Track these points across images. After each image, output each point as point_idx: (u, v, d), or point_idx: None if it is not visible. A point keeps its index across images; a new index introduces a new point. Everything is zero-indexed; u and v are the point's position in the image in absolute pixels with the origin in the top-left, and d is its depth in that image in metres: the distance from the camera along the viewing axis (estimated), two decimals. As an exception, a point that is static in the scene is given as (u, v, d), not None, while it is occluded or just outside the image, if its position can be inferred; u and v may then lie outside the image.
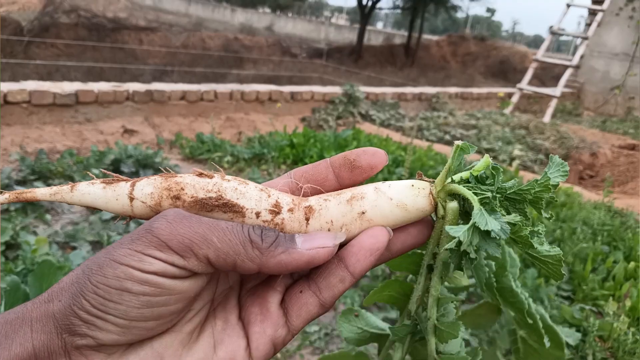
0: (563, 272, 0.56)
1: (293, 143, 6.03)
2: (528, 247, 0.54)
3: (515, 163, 6.98)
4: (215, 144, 5.87)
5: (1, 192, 0.54)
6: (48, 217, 3.83)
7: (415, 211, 0.56)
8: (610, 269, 3.94)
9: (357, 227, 0.55)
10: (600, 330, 3.15)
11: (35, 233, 3.54)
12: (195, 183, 0.53)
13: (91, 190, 0.55)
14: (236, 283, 0.59)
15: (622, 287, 3.67)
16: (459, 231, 0.51)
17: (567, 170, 0.58)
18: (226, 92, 7.50)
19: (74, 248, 3.43)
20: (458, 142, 0.57)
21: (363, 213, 0.55)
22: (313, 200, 0.56)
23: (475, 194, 0.54)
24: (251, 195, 0.54)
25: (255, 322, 0.55)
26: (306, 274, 0.58)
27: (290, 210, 0.55)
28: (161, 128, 6.48)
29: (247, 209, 0.53)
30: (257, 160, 5.74)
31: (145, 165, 4.82)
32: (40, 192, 0.55)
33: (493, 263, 0.63)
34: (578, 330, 3.18)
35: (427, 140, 8.15)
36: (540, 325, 0.62)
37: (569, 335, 3.04)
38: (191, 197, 0.53)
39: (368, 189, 0.57)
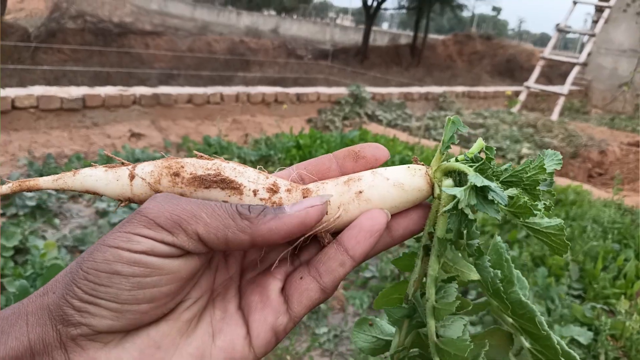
0: (567, 242, 0.55)
1: (299, 144, 6.02)
2: (528, 215, 0.53)
3: (524, 162, 6.94)
4: (221, 146, 5.88)
5: (5, 182, 0.55)
6: (57, 221, 3.84)
7: (412, 191, 0.56)
8: (621, 267, 3.90)
9: (355, 208, 0.55)
10: (613, 329, 3.12)
11: (44, 237, 3.55)
12: (195, 162, 0.54)
13: (93, 173, 0.55)
14: (236, 273, 0.58)
15: (633, 286, 3.64)
16: (457, 190, 0.51)
17: (561, 159, 0.58)
18: (232, 94, 7.51)
19: (82, 252, 3.44)
20: (450, 116, 0.58)
21: (360, 192, 0.55)
22: (311, 184, 0.57)
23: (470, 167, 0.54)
24: (249, 174, 0.55)
25: (256, 310, 0.54)
26: (306, 261, 0.58)
27: (288, 190, 0.55)
28: (168, 131, 6.49)
29: (244, 187, 0.54)
30: (263, 162, 5.74)
31: (152, 169, 4.83)
32: (44, 180, 0.57)
33: (499, 271, 0.61)
34: (590, 329, 3.15)
35: (435, 140, 8.11)
36: (555, 342, 0.60)
37: (580, 334, 3.02)
38: (190, 174, 0.54)
39: (365, 172, 0.57)
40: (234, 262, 0.58)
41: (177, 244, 0.47)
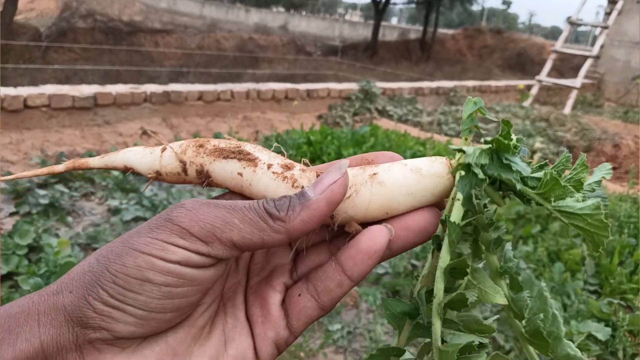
0: (606, 222, 0.48)
1: (310, 141, 6.00)
2: (561, 196, 0.48)
3: (537, 156, 6.87)
4: (232, 143, 5.88)
5: (9, 173, 0.56)
6: (69, 219, 3.85)
7: (431, 176, 0.52)
8: (638, 262, 3.84)
9: (367, 191, 0.53)
10: (631, 325, 3.08)
11: (57, 235, 3.57)
12: (221, 140, 0.58)
13: (134, 149, 0.61)
14: (243, 277, 0.57)
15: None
16: (466, 147, 0.47)
17: (611, 170, 0.53)
18: (243, 91, 7.51)
19: (95, 250, 3.45)
20: (470, 98, 0.55)
21: (374, 174, 0.53)
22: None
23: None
24: (267, 153, 0.56)
25: (257, 323, 0.54)
26: (304, 274, 0.57)
27: (302, 170, 0.55)
28: (179, 129, 6.50)
29: (260, 160, 0.55)
30: (274, 158, 5.74)
31: (164, 166, 4.84)
32: (92, 159, 0.62)
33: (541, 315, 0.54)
34: (607, 325, 3.11)
35: (446, 135, 8.06)
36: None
37: (598, 330, 2.98)
38: (213, 146, 0.56)
39: (383, 164, 0.55)
40: (243, 265, 0.57)
41: (211, 254, 0.46)
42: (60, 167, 0.60)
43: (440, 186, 0.53)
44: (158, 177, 0.58)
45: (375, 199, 0.53)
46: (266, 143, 6.13)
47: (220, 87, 7.47)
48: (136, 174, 0.60)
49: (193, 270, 0.46)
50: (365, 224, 0.54)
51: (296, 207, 0.48)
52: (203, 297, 0.49)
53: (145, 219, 3.85)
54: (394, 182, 0.52)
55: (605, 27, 11.86)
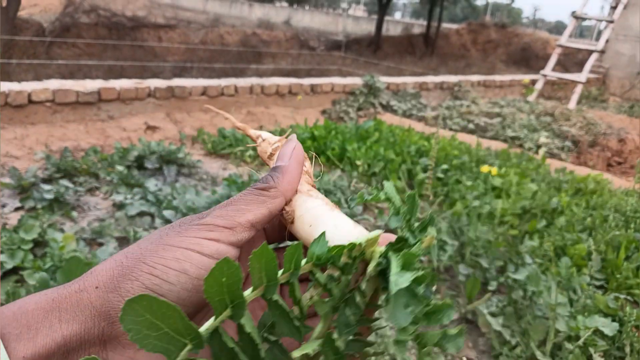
0: None
1: (314, 136, 5.99)
2: None
3: (542, 151, 6.85)
4: (236, 138, 5.86)
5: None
6: (74, 214, 3.86)
7: (342, 241, 0.53)
8: (643, 257, 3.82)
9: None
10: (638, 320, 3.06)
11: (62, 230, 3.57)
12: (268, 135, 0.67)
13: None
14: None
15: (658, 276, 3.56)
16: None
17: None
18: (246, 86, 7.49)
19: (100, 244, 3.45)
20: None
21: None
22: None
23: None
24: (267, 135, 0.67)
25: None
26: None
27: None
28: (183, 124, 6.49)
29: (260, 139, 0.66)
30: (279, 153, 5.72)
31: (168, 161, 4.83)
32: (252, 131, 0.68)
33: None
34: (614, 320, 3.09)
35: (451, 129, 8.03)
36: None
37: (605, 326, 2.96)
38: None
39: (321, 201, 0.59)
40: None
41: (236, 240, 0.50)
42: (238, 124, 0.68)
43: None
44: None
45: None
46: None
47: (224, 82, 7.46)
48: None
49: None
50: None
51: (278, 175, 0.56)
52: None
53: (150, 214, 3.85)
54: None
55: (611, 22, 11.78)
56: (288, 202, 0.57)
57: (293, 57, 18.68)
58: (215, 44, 18.31)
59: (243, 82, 7.63)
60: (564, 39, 11.85)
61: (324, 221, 0.55)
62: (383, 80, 9.21)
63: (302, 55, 19.21)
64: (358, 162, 5.27)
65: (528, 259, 3.61)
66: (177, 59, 15.27)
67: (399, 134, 6.26)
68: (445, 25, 28.88)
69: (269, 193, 0.54)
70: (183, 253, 0.46)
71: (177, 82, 7.02)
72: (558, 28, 66.19)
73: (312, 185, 0.60)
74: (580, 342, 2.77)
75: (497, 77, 12.03)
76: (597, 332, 2.95)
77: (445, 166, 5.16)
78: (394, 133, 6.27)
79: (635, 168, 6.09)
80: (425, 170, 5.11)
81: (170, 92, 6.68)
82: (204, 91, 7.05)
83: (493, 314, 3.13)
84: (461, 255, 3.66)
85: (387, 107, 8.74)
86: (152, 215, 3.83)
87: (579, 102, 10.78)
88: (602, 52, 11.90)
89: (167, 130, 6.19)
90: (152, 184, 4.19)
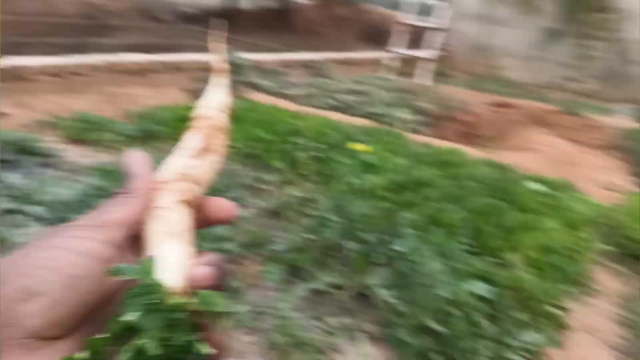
0: None
1: (184, 117, 5.70)
2: None
3: (404, 126, 7.25)
4: (100, 122, 5.37)
5: None
6: None
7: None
8: (506, 222, 4.23)
9: None
10: (510, 281, 3.40)
11: None
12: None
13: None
14: None
15: (518, 238, 3.98)
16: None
17: None
18: (100, 64, 6.89)
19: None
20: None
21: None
22: None
23: None
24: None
25: None
26: None
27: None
28: (34, 109, 5.78)
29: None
30: (148, 137, 5.36)
31: (27, 152, 4.30)
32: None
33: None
34: (490, 284, 3.40)
35: (315, 107, 8.16)
36: None
37: (486, 290, 3.25)
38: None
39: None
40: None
41: (107, 237, 0.49)
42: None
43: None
44: None
45: None
46: (136, 121, 5.70)
47: (74, 59, 6.78)
48: None
49: None
50: None
51: (133, 180, 0.55)
52: None
53: (22, 212, 3.40)
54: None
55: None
56: (151, 203, 0.55)
57: (143, 30, 17.56)
58: (52, 16, 16.56)
59: (96, 59, 7.01)
60: (404, 16, 12.56)
61: (152, 249, 0.52)
62: (245, 57, 9.04)
63: (153, 29, 18.14)
64: (237, 146, 5.14)
65: (408, 231, 3.82)
66: (8, 33, 13.53)
67: (274, 114, 6.21)
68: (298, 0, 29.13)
69: (130, 195, 0.53)
70: (55, 252, 0.46)
71: (17, 60, 6.22)
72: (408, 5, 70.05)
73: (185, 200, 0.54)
74: (465, 308, 3.01)
75: (359, 55, 12.49)
76: (476, 296, 3.22)
77: (320, 145, 5.23)
78: (271, 114, 6.21)
79: (485, 139, 6.72)
80: (304, 150, 5.14)
81: (11, 73, 5.91)
82: (52, 70, 6.34)
83: (384, 287, 3.27)
84: (347, 231, 3.75)
85: (254, 86, 8.62)
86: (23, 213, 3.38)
87: (432, 79, 11.59)
88: (446, 30, 12.87)
89: (17, 115, 5.48)
90: (15, 177, 3.69)
